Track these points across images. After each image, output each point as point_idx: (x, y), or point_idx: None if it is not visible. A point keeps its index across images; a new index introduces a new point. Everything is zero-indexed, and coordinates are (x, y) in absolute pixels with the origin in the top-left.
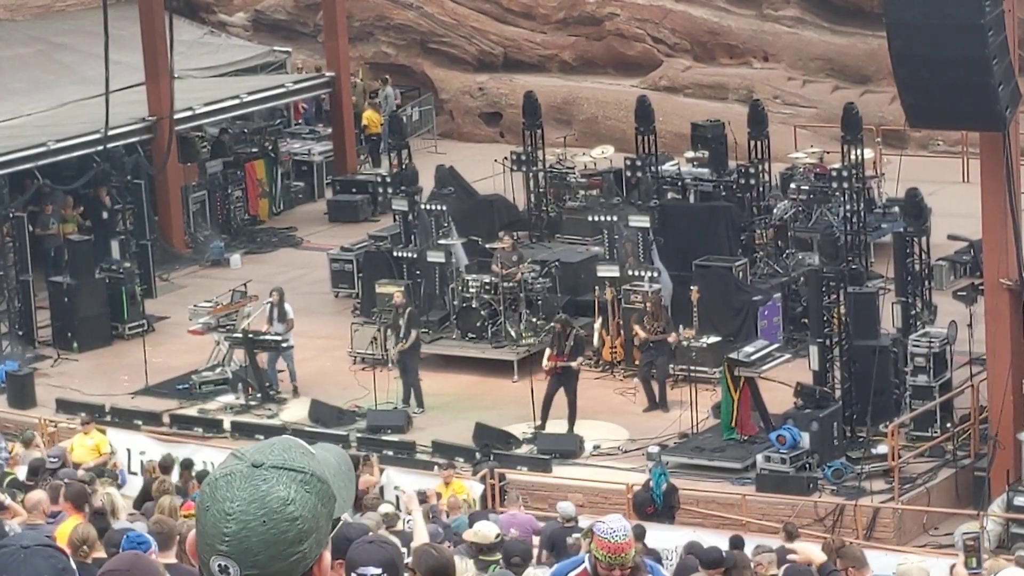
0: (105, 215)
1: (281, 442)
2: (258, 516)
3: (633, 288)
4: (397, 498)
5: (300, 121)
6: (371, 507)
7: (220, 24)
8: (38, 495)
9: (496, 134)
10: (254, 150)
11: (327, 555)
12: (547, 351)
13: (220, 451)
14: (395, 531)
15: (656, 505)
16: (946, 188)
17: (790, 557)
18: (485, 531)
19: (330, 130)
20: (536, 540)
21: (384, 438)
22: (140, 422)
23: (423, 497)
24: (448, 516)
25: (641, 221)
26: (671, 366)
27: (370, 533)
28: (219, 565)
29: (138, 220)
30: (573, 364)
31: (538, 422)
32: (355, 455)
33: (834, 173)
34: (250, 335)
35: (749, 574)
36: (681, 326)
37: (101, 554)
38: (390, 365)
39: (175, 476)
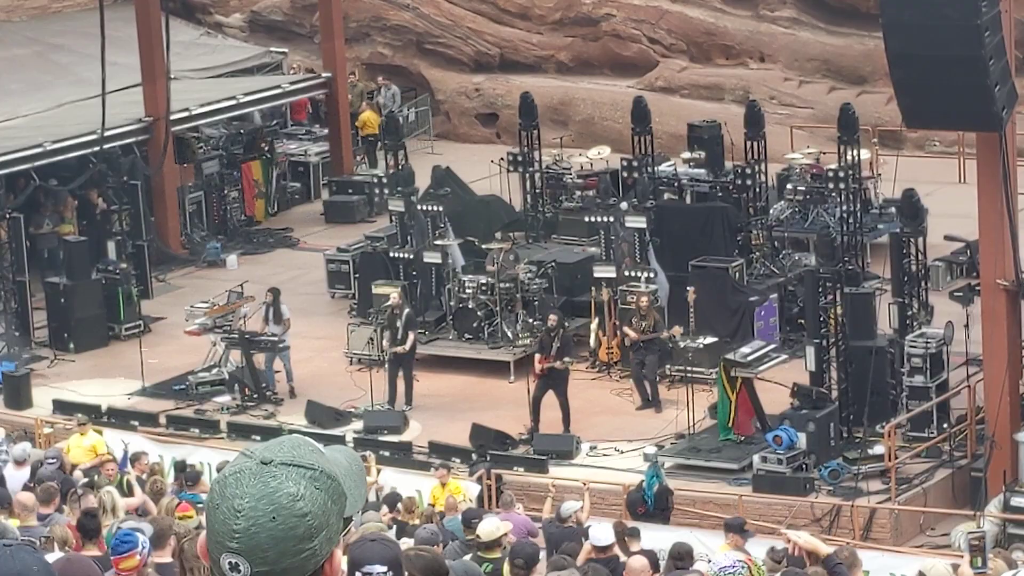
0: (99, 216)
1: (291, 440)
2: (267, 512)
3: (629, 289)
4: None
5: (304, 120)
6: (373, 507)
7: (216, 25)
8: (28, 497)
9: (492, 135)
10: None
11: (338, 553)
12: (537, 354)
13: (217, 452)
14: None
15: (647, 506)
16: (943, 189)
17: (792, 536)
18: (489, 528)
19: (326, 131)
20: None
21: (380, 439)
22: (137, 423)
23: (396, 501)
24: (444, 517)
25: (637, 222)
26: (667, 366)
27: (372, 532)
28: (230, 563)
29: (134, 221)
30: (557, 365)
31: (531, 424)
32: None
33: (830, 174)
34: (246, 336)
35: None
36: (675, 324)
37: (95, 552)
38: (385, 366)
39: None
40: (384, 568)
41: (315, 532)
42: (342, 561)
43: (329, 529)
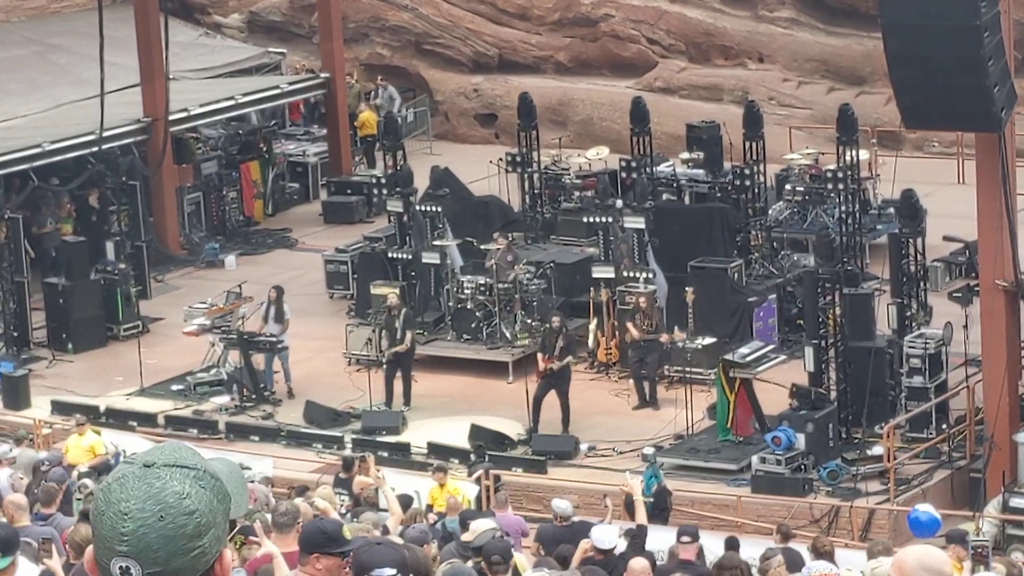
0: (94, 217)
1: (170, 444)
2: (155, 512)
3: (628, 289)
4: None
5: (298, 122)
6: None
7: (215, 25)
8: (20, 497)
9: (491, 135)
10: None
11: (227, 553)
12: (539, 354)
13: (215, 452)
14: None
15: (646, 506)
16: (942, 189)
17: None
18: (479, 529)
19: (324, 131)
20: (524, 541)
21: (379, 439)
22: (135, 423)
23: (408, 501)
24: (445, 517)
25: (636, 222)
26: (665, 367)
27: (375, 535)
28: (120, 567)
29: (133, 221)
30: (554, 365)
31: (530, 424)
32: (351, 456)
33: (829, 174)
34: (245, 336)
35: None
36: (676, 327)
37: None
38: (384, 366)
39: None
40: (393, 571)
41: (204, 530)
42: (232, 562)
43: (217, 528)
